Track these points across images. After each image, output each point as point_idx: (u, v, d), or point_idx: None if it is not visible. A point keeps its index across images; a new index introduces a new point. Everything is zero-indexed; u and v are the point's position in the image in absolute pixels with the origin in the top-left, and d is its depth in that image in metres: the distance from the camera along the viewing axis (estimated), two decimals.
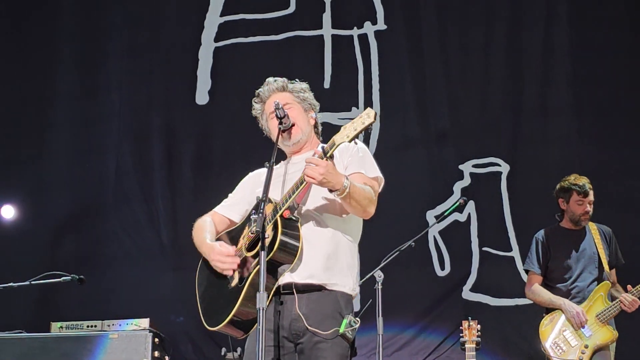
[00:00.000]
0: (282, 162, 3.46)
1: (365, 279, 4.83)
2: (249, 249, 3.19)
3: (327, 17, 7.20)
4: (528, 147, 6.71)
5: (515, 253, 6.50)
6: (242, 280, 3.15)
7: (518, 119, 6.79)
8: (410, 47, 7.05)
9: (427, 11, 7.06)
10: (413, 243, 5.04)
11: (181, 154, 7.16)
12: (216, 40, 7.33)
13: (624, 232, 5.53)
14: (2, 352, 5.31)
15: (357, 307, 5.35)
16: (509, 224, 6.59)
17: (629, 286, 4.95)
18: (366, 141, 6.19)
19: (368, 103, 6.96)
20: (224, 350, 5.34)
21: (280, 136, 3.30)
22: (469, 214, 6.64)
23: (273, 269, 3.07)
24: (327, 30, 7.19)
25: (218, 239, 3.38)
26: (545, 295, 5.10)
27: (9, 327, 5.59)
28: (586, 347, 4.90)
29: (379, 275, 4.74)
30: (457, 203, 5.41)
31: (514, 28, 6.93)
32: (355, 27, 7.15)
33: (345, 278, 3.22)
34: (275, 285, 3.10)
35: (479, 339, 4.82)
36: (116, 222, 7.05)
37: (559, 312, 5.02)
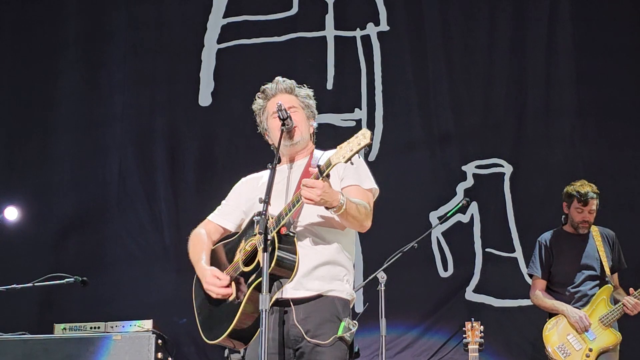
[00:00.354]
0: (277, 166, 3.46)
1: (368, 280, 4.83)
2: (246, 264, 3.21)
3: (329, 19, 7.19)
4: (531, 148, 6.70)
5: (518, 254, 6.48)
6: (239, 296, 3.18)
7: (521, 119, 6.77)
8: (412, 48, 7.03)
9: (430, 12, 7.05)
10: (416, 244, 5.05)
11: (184, 155, 7.16)
12: (219, 41, 7.32)
13: (628, 234, 5.52)
14: (6, 353, 5.31)
15: (359, 309, 5.36)
16: (512, 225, 6.58)
17: (631, 289, 4.95)
18: None
19: (371, 104, 6.95)
20: (227, 351, 5.34)
21: (281, 137, 3.31)
22: (472, 215, 6.63)
23: (270, 284, 3.08)
24: (329, 32, 7.18)
25: (213, 251, 3.42)
26: (548, 301, 5.10)
27: (12, 328, 5.58)
28: (590, 350, 4.90)
29: (382, 276, 4.74)
30: (460, 204, 5.42)
31: (517, 29, 6.91)
32: (358, 29, 7.14)
33: (342, 285, 3.26)
34: (273, 299, 3.11)
35: (482, 340, 4.83)
36: (119, 224, 7.05)
37: (563, 316, 5.02)
